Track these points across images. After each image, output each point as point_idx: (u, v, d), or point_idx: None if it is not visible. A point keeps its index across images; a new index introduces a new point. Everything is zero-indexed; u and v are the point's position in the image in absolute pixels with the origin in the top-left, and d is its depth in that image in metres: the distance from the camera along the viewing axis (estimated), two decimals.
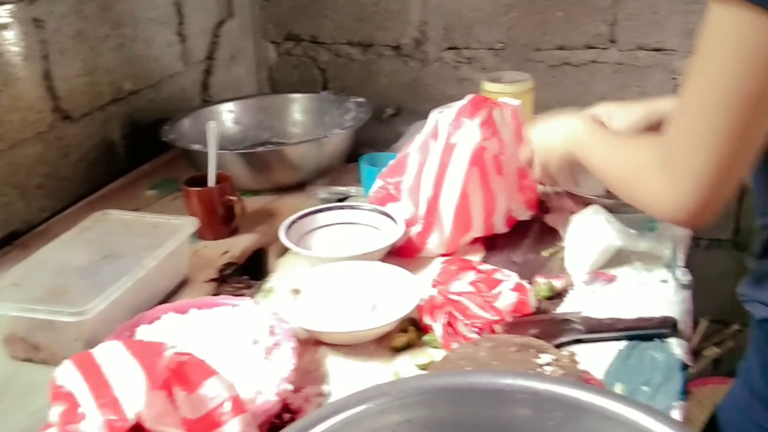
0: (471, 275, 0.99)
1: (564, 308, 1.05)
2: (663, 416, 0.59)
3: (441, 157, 1.16)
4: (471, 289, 0.96)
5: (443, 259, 1.11)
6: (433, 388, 0.64)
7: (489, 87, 1.53)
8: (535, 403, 0.61)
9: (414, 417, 0.66)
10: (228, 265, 1.20)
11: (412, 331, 0.98)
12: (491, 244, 1.24)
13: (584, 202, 1.25)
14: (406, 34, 1.94)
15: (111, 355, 0.70)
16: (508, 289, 0.96)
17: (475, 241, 1.23)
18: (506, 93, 1.48)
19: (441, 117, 1.19)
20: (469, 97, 1.19)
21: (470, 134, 1.14)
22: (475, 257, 1.19)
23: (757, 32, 0.68)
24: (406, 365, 0.94)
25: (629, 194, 0.87)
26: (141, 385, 0.65)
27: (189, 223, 1.13)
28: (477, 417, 0.64)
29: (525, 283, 1.01)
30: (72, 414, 0.65)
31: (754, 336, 0.90)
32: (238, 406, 0.70)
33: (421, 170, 1.19)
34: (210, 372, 0.70)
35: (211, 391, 0.69)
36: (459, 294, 0.95)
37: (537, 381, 0.62)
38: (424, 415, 0.65)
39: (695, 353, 1.90)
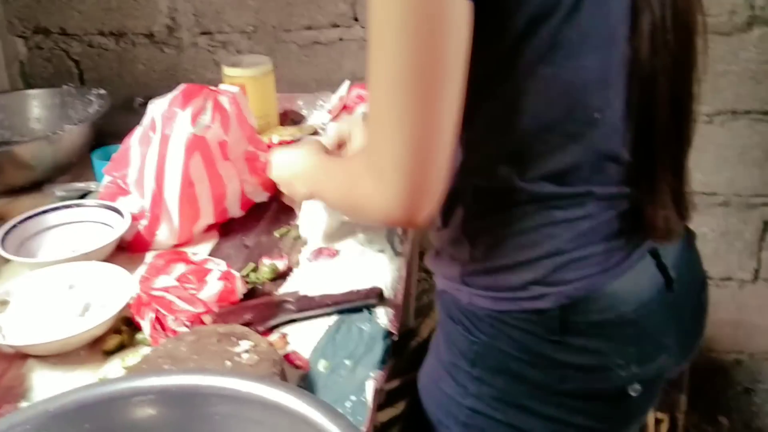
0: (180, 268, 0.92)
1: (287, 288, 1.01)
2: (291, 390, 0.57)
3: (159, 148, 1.08)
4: (176, 283, 0.89)
5: (154, 253, 1.04)
6: (62, 408, 0.57)
7: (229, 72, 1.45)
8: (166, 401, 0.57)
9: None
10: None
11: (125, 331, 0.91)
12: (226, 229, 1.18)
13: None
14: (157, 21, 1.81)
15: None
16: (215, 279, 0.91)
17: (210, 227, 1.17)
18: (246, 77, 1.42)
19: (155, 108, 1.11)
20: (181, 87, 1.11)
21: (182, 124, 1.07)
22: (209, 245, 1.13)
23: (416, 3, 0.61)
24: (116, 368, 0.87)
25: (352, 208, 0.80)
26: None
27: None
28: (117, 426, 0.58)
29: (233, 270, 0.95)
30: None
31: (438, 307, 0.90)
32: None
33: (143, 162, 1.11)
34: None
35: None
36: (163, 289, 0.88)
37: (162, 377, 0.57)
38: None
39: None
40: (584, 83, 0.74)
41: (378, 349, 0.87)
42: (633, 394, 0.81)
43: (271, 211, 1.22)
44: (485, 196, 0.78)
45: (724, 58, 1.63)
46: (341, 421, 0.54)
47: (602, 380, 0.80)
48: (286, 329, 0.92)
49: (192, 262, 0.94)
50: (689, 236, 0.90)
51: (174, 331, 0.88)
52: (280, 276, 1.03)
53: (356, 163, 0.74)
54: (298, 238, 1.13)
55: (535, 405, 0.81)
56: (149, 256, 1.00)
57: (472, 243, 0.80)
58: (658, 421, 1.57)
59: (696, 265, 0.93)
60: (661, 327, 0.82)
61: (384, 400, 1.35)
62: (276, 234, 1.15)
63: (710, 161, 1.75)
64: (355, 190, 0.74)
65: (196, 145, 1.08)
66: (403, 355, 1.60)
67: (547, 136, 0.75)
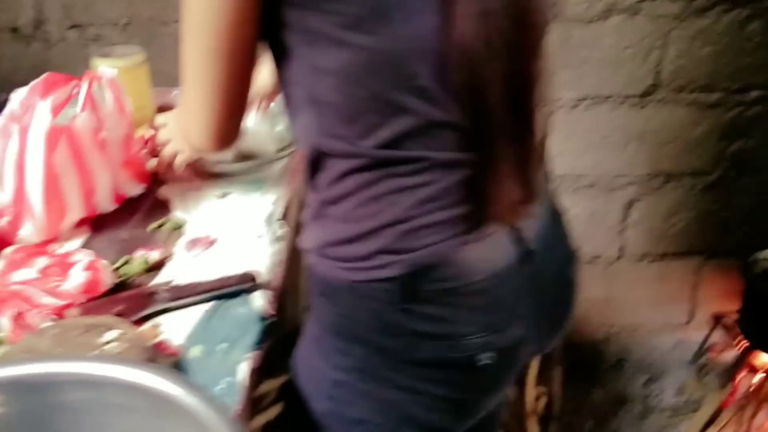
0: (42, 261, 0.87)
1: (162, 279, 0.97)
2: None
3: (19, 140, 1.02)
4: (37, 275, 0.84)
5: (12, 248, 0.97)
6: None
7: (99, 63, 1.39)
8: (13, 393, 0.53)
9: None
10: None
11: None
12: (98, 224, 1.12)
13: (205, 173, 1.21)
14: (21, 15, 1.71)
15: None
16: (79, 270, 0.86)
17: (81, 222, 1.11)
18: (117, 68, 1.36)
19: (16, 98, 1.04)
20: (43, 77, 1.05)
21: (42, 115, 1.01)
22: (79, 240, 1.07)
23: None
24: None
25: (186, 141, 0.91)
26: None
27: None
28: None
29: (99, 261, 0.91)
30: None
31: (308, 283, 0.87)
32: None
33: (2, 156, 1.04)
34: None
35: None
36: (22, 283, 0.83)
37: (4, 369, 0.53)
38: None
39: None
40: (405, 52, 0.73)
41: (253, 332, 0.85)
42: (486, 362, 0.80)
43: (145, 204, 1.17)
44: (332, 163, 0.78)
45: (586, 45, 1.70)
46: (199, 393, 0.52)
47: (452, 348, 0.79)
48: (159, 319, 0.88)
49: (54, 255, 0.88)
50: (556, 213, 0.92)
51: (36, 327, 0.82)
52: (155, 267, 0.99)
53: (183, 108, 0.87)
54: (174, 229, 1.09)
55: (391, 374, 0.81)
56: (7, 252, 0.93)
57: (327, 215, 0.80)
58: (537, 397, 1.62)
59: (562, 241, 0.94)
60: (514, 297, 0.82)
61: (275, 396, 1.33)
62: (151, 227, 1.10)
63: (577, 145, 1.82)
64: (185, 131, 0.87)
65: (61, 136, 1.02)
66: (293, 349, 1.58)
67: (375, 103, 0.74)
